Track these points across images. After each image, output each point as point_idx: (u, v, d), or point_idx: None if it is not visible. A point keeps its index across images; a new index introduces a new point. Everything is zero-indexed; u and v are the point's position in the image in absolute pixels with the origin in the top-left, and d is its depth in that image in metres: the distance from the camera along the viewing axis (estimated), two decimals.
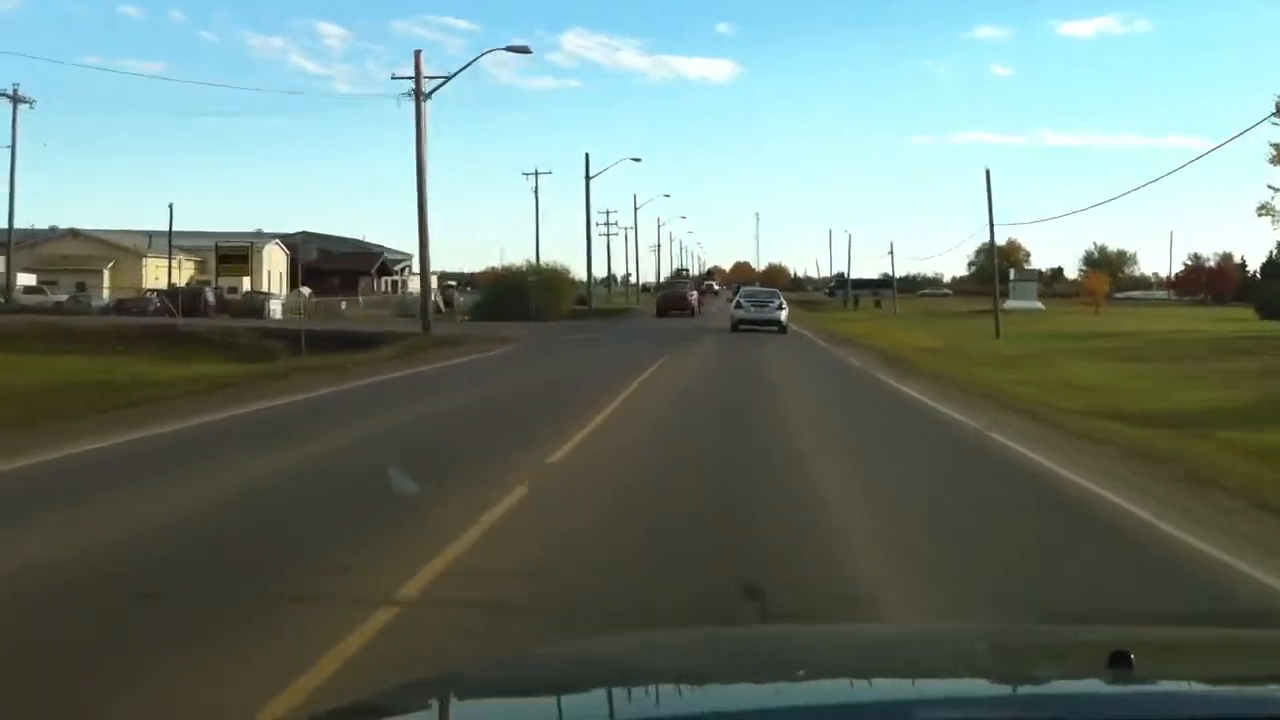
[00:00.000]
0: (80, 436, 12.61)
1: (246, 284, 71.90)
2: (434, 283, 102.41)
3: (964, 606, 6.62)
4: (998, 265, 55.64)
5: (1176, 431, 15.27)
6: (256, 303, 56.07)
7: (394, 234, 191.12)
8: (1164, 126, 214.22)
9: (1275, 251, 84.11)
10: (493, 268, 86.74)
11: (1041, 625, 4.95)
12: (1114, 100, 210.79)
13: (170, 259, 61.12)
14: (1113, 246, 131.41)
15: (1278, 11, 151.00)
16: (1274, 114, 41.47)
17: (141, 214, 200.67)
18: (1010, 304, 66.17)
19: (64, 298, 56.03)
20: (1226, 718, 2.03)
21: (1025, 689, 2.36)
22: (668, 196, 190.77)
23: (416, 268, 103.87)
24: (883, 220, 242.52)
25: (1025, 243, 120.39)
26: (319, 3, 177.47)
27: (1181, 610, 6.66)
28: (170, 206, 57.66)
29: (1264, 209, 49.03)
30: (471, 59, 34.27)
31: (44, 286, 61.70)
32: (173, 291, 55.33)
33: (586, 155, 71.81)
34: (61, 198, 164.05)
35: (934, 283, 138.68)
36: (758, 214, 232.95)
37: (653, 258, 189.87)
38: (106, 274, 67.32)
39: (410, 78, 30.83)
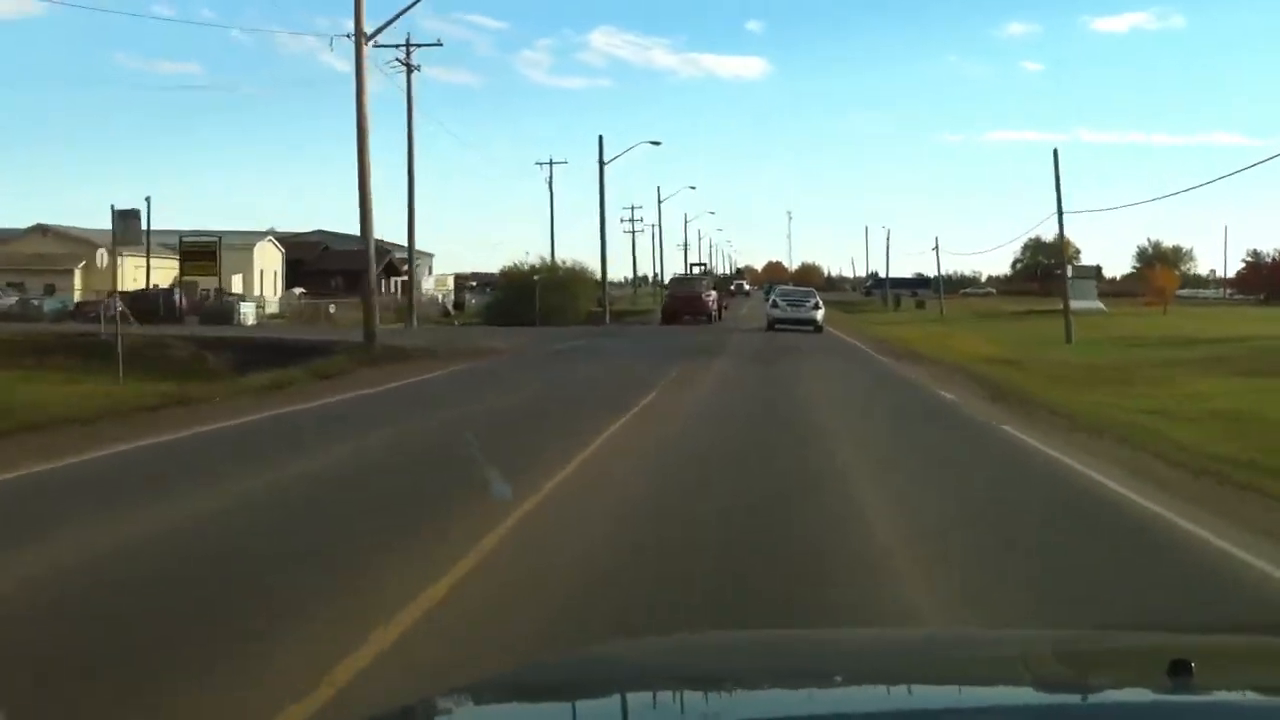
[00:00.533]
0: None
1: (238, 284, 66.47)
2: (450, 283, 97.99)
3: None
4: (1063, 259, 49.11)
5: None
6: (226, 307, 50.30)
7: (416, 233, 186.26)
8: (1206, 123, 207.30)
9: None
10: (506, 267, 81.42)
11: (1092, 630, 4.33)
12: (1152, 96, 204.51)
13: (149, 257, 55.21)
14: (1167, 243, 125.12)
15: None
16: None
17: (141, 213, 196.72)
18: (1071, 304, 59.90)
19: (12, 301, 50.22)
20: None
21: (1078, 698, 2.14)
22: (693, 189, 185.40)
23: (434, 268, 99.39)
24: (916, 218, 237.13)
25: (1074, 240, 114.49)
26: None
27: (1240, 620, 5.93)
28: (147, 200, 51.37)
29: None
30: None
31: (9, 288, 56.43)
32: (139, 294, 49.60)
33: (600, 138, 66.10)
34: (29, 192, 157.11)
35: (973, 282, 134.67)
36: (789, 213, 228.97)
37: (680, 256, 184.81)
38: (78, 274, 61.62)
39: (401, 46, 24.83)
